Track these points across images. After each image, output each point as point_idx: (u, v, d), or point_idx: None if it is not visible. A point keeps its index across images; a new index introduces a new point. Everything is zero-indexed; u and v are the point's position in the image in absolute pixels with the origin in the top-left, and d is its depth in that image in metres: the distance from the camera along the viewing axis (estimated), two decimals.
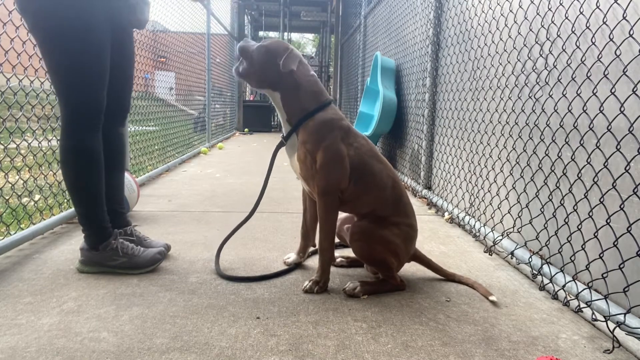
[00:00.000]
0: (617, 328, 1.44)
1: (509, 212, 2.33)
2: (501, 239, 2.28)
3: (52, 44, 1.69)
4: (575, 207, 1.81)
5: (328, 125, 1.73)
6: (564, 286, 1.74)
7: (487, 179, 2.61)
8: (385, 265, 1.76)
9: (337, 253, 2.15)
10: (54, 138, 1.93)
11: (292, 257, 2.05)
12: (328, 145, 1.70)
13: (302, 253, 2.04)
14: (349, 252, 2.14)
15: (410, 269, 2.04)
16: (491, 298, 1.73)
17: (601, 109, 1.64)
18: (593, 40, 1.72)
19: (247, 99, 12.28)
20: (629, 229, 1.49)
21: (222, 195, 3.55)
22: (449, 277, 1.92)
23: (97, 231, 1.88)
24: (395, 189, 1.81)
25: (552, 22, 2.01)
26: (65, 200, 2.74)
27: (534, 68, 2.17)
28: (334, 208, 1.74)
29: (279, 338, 1.42)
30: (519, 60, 2.30)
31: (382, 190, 1.77)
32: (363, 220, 1.78)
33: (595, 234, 1.65)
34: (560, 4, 1.95)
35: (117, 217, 2.04)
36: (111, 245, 1.87)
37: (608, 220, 1.60)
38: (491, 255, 2.30)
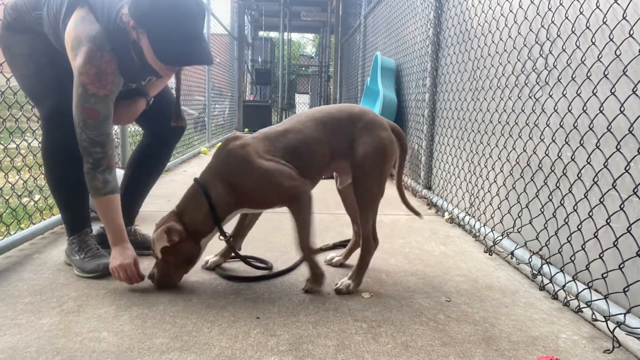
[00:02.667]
0: (617, 328, 1.44)
1: (509, 212, 2.33)
2: (501, 239, 2.28)
3: (14, 73, 1.89)
4: (575, 207, 1.81)
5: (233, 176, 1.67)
6: (564, 286, 1.74)
7: (487, 179, 2.61)
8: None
9: (334, 253, 2.14)
10: None
11: (212, 259, 1.98)
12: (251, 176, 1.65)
13: (224, 256, 2.00)
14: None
15: (410, 269, 2.05)
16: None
17: (601, 109, 1.64)
18: (593, 40, 1.72)
19: (247, 98, 12.27)
20: (629, 229, 1.49)
21: None
22: (403, 199, 2.02)
23: (67, 222, 1.95)
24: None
25: (552, 22, 2.01)
26: None
27: (534, 68, 2.17)
28: (305, 202, 1.68)
29: (279, 338, 1.42)
30: (519, 60, 2.30)
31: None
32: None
33: (595, 234, 1.65)
34: (560, 4, 1.95)
35: (125, 216, 2.09)
36: (71, 240, 1.93)
37: (608, 220, 1.60)
38: (491, 255, 2.30)
